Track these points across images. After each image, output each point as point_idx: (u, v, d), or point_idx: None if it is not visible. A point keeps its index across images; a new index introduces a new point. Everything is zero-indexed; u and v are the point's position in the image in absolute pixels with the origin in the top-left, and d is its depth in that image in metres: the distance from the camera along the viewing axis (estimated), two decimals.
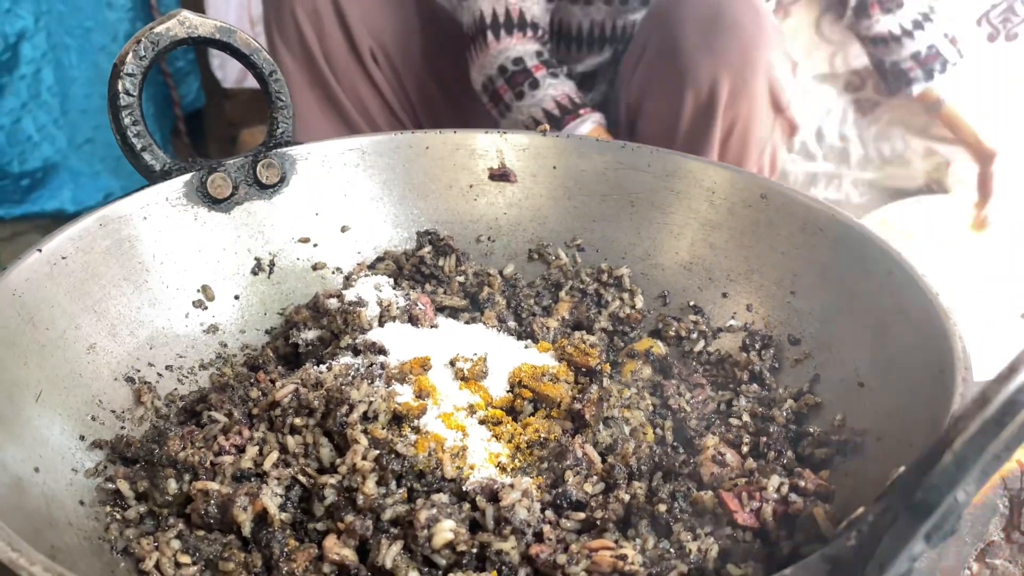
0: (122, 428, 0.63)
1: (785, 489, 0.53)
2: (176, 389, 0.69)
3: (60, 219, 2.24)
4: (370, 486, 0.54)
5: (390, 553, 0.51)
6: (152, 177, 0.75)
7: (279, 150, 0.80)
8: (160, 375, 0.69)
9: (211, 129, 2.54)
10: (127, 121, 0.73)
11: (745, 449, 0.61)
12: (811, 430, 0.61)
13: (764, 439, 0.60)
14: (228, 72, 2.28)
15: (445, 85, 1.55)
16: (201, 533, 0.54)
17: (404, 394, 0.62)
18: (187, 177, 0.75)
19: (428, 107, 1.55)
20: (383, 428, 0.59)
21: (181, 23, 0.74)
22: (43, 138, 2.20)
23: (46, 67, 2.15)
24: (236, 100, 2.49)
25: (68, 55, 2.17)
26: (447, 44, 1.50)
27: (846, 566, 0.36)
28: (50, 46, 2.14)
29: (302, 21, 1.39)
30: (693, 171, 0.80)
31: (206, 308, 0.75)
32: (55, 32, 2.14)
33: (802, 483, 0.53)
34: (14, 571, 0.37)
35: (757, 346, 0.71)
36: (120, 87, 0.72)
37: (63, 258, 0.65)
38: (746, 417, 0.65)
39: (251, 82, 2.36)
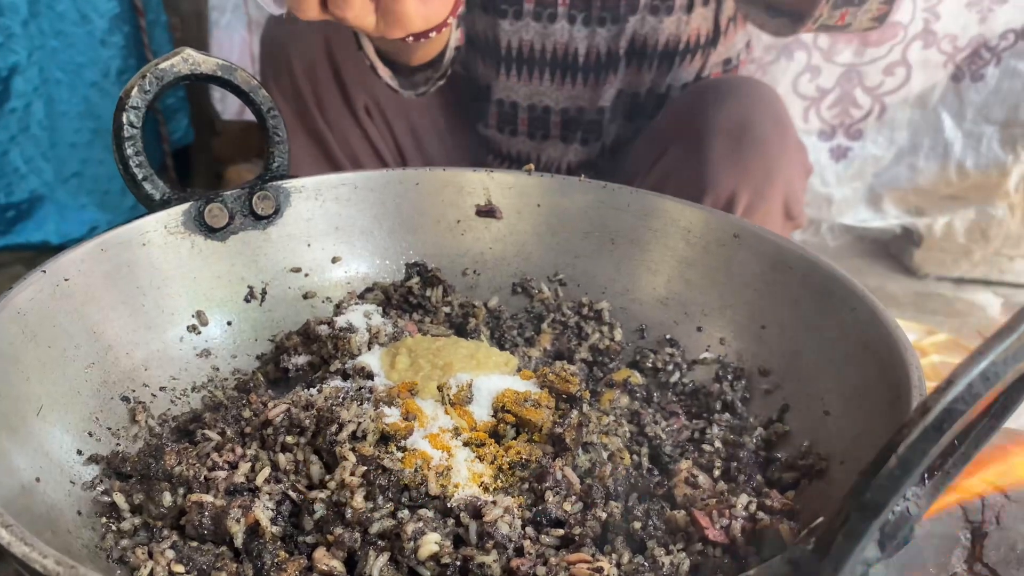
0: (117, 445, 0.65)
1: (753, 507, 0.56)
2: (169, 409, 0.72)
3: (44, 251, 2.25)
4: (358, 500, 0.57)
5: (377, 564, 0.54)
6: (151, 206, 0.78)
7: (274, 183, 0.83)
8: (154, 395, 0.72)
9: (198, 166, 2.57)
10: (130, 151, 0.76)
11: (716, 473, 0.64)
12: (779, 456, 0.64)
13: (735, 464, 0.63)
14: (228, 105, 2.32)
15: (439, 139, 1.58)
16: (194, 544, 0.56)
17: (392, 415, 0.65)
18: (185, 206, 0.78)
19: (420, 162, 1.57)
20: (371, 446, 0.61)
21: (185, 60, 0.77)
22: (30, 171, 2.22)
23: (37, 101, 2.17)
24: (223, 138, 2.53)
25: (59, 90, 2.20)
26: (444, 102, 1.53)
27: (805, 566, 0.39)
28: (42, 81, 2.17)
29: (298, 74, 1.41)
30: (670, 211, 0.84)
31: (199, 333, 0.78)
32: (47, 67, 2.17)
33: (769, 502, 0.56)
34: (27, 565, 0.40)
35: (729, 377, 0.75)
36: (125, 119, 0.75)
37: (65, 280, 0.68)
38: (718, 444, 0.68)
39: (250, 115, 2.40)
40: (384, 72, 1.24)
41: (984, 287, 2.27)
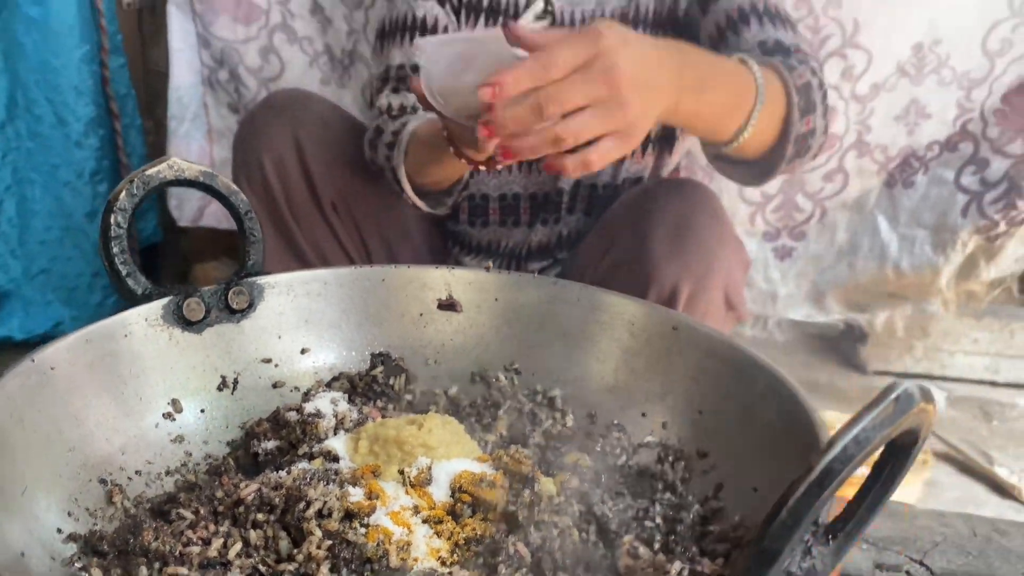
0: (95, 524, 0.69)
1: (686, 573, 0.61)
2: (143, 492, 0.76)
3: (7, 346, 2.26)
4: (324, 572, 0.61)
5: None
6: (133, 300, 0.83)
7: (249, 279, 0.90)
8: (130, 478, 0.76)
9: (166, 263, 2.62)
10: (115, 250, 0.82)
11: (657, 546, 0.69)
12: (712, 529, 0.70)
13: (672, 537, 0.69)
14: (184, 212, 2.40)
15: (404, 236, 1.66)
16: None
17: (356, 495, 0.69)
18: (165, 301, 0.84)
19: (385, 257, 1.65)
20: (336, 522, 0.66)
21: (170, 167, 0.84)
22: None
23: (8, 199, 2.21)
24: (190, 237, 2.59)
25: (32, 189, 2.24)
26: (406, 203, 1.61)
27: None
28: (15, 180, 2.21)
29: (268, 170, 1.49)
30: (615, 305, 0.91)
31: (174, 420, 0.82)
32: (21, 167, 2.21)
33: (700, 568, 0.62)
34: None
35: (671, 459, 0.81)
36: (112, 220, 0.81)
37: (52, 368, 0.73)
38: (659, 520, 0.73)
39: (205, 221, 2.46)
40: (420, 204, 1.44)
41: (927, 381, 2.37)
